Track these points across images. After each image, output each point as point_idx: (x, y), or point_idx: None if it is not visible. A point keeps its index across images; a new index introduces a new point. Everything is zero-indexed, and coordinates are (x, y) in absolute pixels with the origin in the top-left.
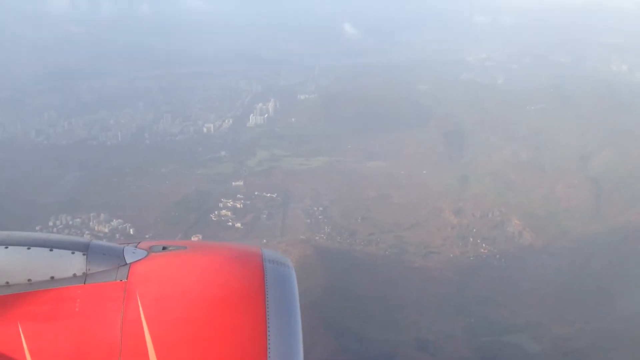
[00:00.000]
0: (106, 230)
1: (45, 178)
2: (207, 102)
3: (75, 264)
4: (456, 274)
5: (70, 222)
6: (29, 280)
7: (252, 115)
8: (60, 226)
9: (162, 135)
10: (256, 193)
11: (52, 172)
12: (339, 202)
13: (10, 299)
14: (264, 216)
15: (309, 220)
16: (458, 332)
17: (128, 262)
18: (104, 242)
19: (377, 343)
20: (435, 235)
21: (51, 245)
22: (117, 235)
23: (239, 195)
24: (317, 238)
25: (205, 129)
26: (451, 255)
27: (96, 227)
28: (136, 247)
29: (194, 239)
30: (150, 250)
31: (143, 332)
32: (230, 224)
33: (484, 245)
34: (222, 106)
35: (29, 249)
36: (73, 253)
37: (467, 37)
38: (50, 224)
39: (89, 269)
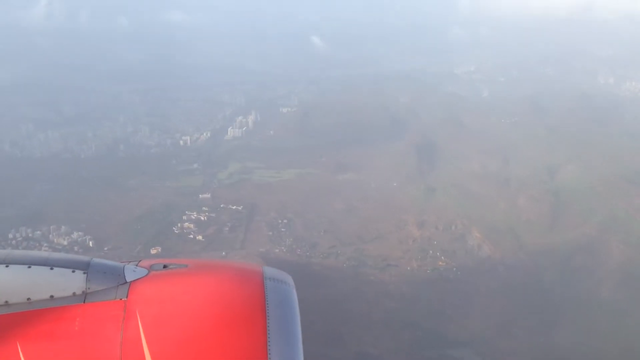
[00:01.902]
0: (65, 243)
1: (12, 190)
2: (189, 115)
3: (75, 282)
4: (411, 287)
5: (31, 235)
6: (29, 299)
7: (230, 128)
8: (20, 239)
9: (138, 148)
10: (222, 205)
11: (21, 184)
12: (304, 214)
13: (10, 319)
14: (227, 229)
15: (271, 233)
16: (403, 346)
17: (128, 280)
18: (104, 261)
19: (313, 358)
20: (396, 248)
21: (52, 264)
22: (76, 248)
23: (204, 208)
24: (276, 250)
25: (181, 142)
26: (408, 268)
27: (55, 240)
28: (137, 265)
29: (153, 251)
30: (150, 268)
31: (143, 351)
32: (191, 236)
33: (442, 258)
34: (203, 119)
35: (29, 267)
36: (73, 272)
37: (455, 50)
38: (10, 236)
39: (89, 288)
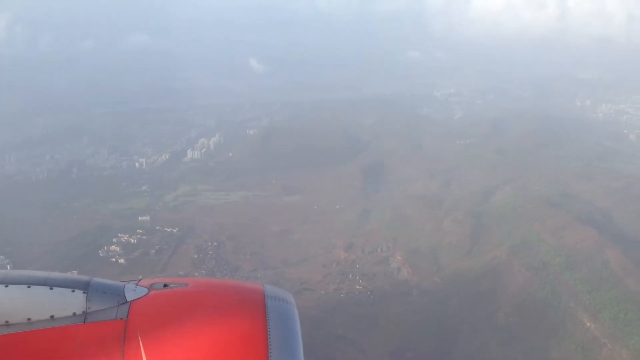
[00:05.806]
0: None
1: None
2: (154, 137)
3: (75, 302)
4: (321, 311)
5: None
6: (29, 319)
7: (189, 150)
8: None
9: (91, 170)
10: (157, 228)
11: None
12: (237, 237)
13: (10, 339)
14: (153, 251)
15: (196, 256)
16: None
17: (129, 300)
18: (104, 280)
19: None
20: (318, 271)
21: (51, 284)
22: None
23: (139, 230)
24: (196, 274)
25: (137, 164)
26: (323, 292)
27: None
28: (137, 284)
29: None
30: (151, 287)
31: None
32: (114, 260)
33: (360, 281)
34: (167, 141)
35: (29, 287)
36: (73, 291)
37: (437, 74)
38: None
39: (89, 308)
